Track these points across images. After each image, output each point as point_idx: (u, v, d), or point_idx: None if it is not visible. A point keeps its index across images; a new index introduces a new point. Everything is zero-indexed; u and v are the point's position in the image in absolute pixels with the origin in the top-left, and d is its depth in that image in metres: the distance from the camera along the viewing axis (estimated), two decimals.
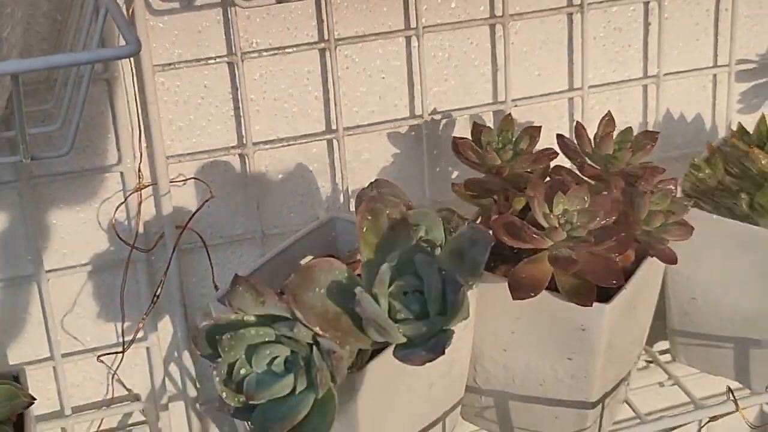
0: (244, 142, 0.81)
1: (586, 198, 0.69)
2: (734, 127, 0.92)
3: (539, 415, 0.76)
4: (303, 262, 0.78)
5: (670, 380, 0.87)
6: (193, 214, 0.79)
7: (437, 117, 0.85)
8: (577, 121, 0.77)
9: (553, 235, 0.67)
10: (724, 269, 0.80)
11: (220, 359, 0.58)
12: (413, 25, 0.82)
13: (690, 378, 0.89)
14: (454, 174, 0.88)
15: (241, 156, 0.81)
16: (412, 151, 0.86)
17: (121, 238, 0.78)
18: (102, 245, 0.80)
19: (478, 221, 0.80)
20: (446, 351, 0.56)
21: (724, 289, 0.81)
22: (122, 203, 0.78)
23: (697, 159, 0.83)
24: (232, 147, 0.81)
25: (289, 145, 0.82)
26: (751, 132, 0.84)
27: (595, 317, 0.69)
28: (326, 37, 0.80)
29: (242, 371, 0.58)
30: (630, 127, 0.76)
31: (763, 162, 0.79)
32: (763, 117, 0.83)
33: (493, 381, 0.77)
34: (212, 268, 0.81)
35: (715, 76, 0.94)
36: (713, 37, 0.93)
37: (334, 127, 0.83)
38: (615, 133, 0.77)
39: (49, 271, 0.79)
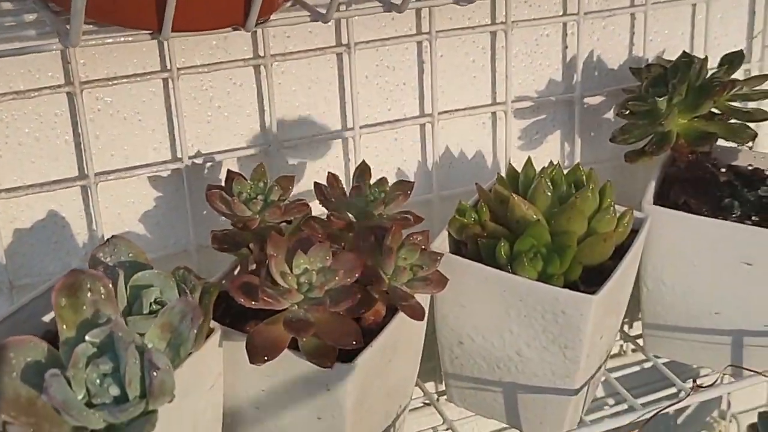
0: None
1: (328, 257, 0.67)
2: (519, 165, 0.92)
3: None
4: (48, 318, 0.74)
5: (444, 424, 0.86)
6: None
7: (198, 160, 0.82)
8: (329, 173, 0.75)
9: (288, 297, 0.65)
10: (487, 315, 0.79)
11: None
12: (169, 66, 0.79)
13: (465, 420, 0.89)
14: (222, 218, 0.85)
15: None
16: (175, 194, 0.83)
17: None
18: None
19: (236, 271, 0.77)
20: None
21: (488, 334, 0.80)
22: None
23: (464, 203, 0.82)
24: None
25: (38, 193, 0.77)
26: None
27: (340, 378, 0.68)
28: (72, 81, 0.76)
29: None
30: (384, 178, 0.75)
31: (523, 209, 0.78)
32: (529, 160, 0.83)
33: None
34: None
35: (494, 113, 0.94)
36: (491, 74, 0.92)
37: (86, 172, 0.79)
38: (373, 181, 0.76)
39: None
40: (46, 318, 0.73)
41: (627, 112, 0.86)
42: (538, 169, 0.82)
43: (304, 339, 0.67)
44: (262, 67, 0.82)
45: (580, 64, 0.94)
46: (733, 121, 0.86)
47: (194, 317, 0.56)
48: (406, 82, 0.89)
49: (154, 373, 0.53)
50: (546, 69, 0.95)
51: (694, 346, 0.92)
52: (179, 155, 0.82)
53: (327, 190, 0.76)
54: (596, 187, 0.80)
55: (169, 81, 0.79)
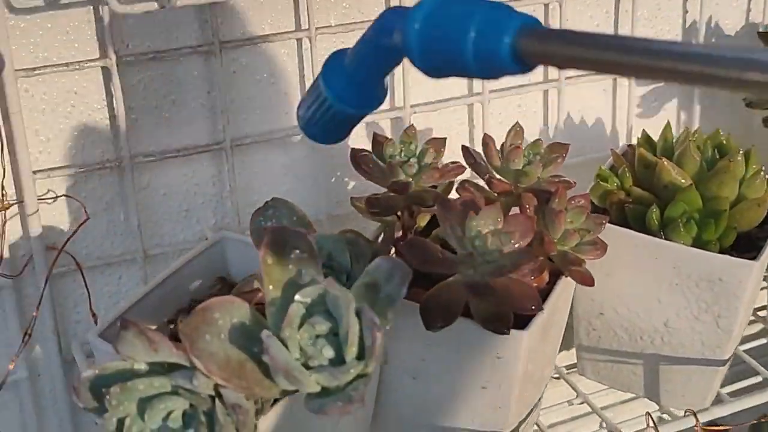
0: (123, 153, 0.73)
1: (499, 219, 0.65)
2: (635, 132, 0.89)
3: None
4: (192, 287, 0.71)
5: (578, 398, 0.84)
6: (69, 238, 0.70)
7: None
8: (485, 134, 0.72)
9: (468, 261, 0.63)
10: (634, 284, 0.77)
11: (107, 414, 0.51)
12: (305, 26, 0.76)
13: (597, 395, 0.86)
14: (351, 185, 0.82)
15: (119, 169, 0.74)
16: (305, 161, 0.80)
17: None
18: None
19: (380, 239, 0.74)
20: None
21: (633, 305, 0.78)
22: None
23: (603, 168, 0.79)
24: (109, 160, 0.73)
25: (173, 156, 0.74)
26: (655, 139, 0.81)
27: (512, 345, 0.65)
28: (210, 41, 0.73)
29: (134, 428, 0.51)
30: (540, 139, 0.72)
31: (672, 174, 0.76)
32: (668, 125, 0.81)
33: (400, 413, 0.71)
34: (89, 294, 0.73)
35: (615, 79, 0.91)
36: None
37: (221, 137, 0.76)
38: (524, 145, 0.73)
39: None
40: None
41: None
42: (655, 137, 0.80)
43: (477, 305, 0.65)
44: None
45: (702, 28, 0.92)
46: None
47: (402, 276, 0.53)
48: None
49: (377, 334, 0.50)
50: (666, 35, 0.92)
51: None
52: None
53: (477, 155, 0.74)
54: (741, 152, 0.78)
55: (303, 41, 0.76)
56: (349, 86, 0.49)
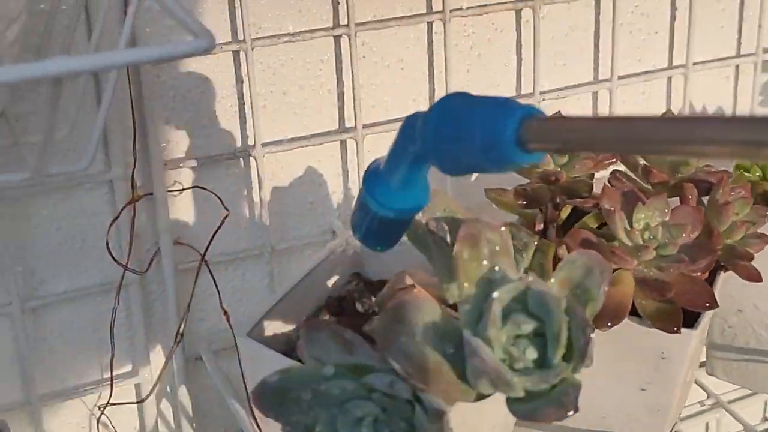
0: (250, 143, 0.69)
1: (666, 210, 0.61)
2: None
3: None
4: (329, 283, 0.67)
5: (710, 399, 0.80)
6: (215, 233, 0.67)
7: None
8: None
9: (642, 254, 0.59)
10: None
11: (293, 419, 0.48)
12: (439, 8, 0.72)
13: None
14: (473, 176, 0.79)
15: (245, 159, 0.70)
16: None
17: (115, 259, 0.66)
18: (85, 268, 0.68)
19: None
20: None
21: None
22: (116, 218, 0.65)
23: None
24: (239, 150, 0.69)
25: (302, 147, 0.71)
26: None
27: (680, 344, 0.62)
28: (344, 22, 0.69)
29: None
30: None
31: None
32: None
33: None
34: (218, 291, 0.69)
35: (737, 66, 0.87)
36: (737, 24, 0.86)
37: (348, 124, 0.72)
38: None
39: (27, 300, 0.66)
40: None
41: None
42: None
43: (645, 302, 0.61)
44: (524, 11, 0.76)
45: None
46: None
47: (603, 271, 0.49)
48: (658, 31, 0.82)
49: (590, 334, 0.46)
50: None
51: None
52: None
53: None
54: None
55: (434, 24, 0.73)
56: (389, 193, 0.50)
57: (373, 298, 0.68)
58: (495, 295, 0.48)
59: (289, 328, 0.65)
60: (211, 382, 0.74)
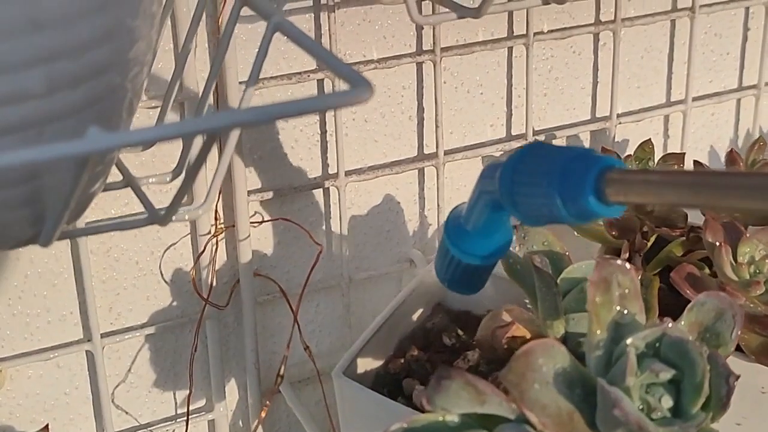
0: (331, 171, 0.68)
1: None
2: None
3: None
4: (414, 318, 0.66)
5: None
6: (312, 269, 0.65)
7: (539, 138, 0.74)
8: (731, 149, 0.67)
9: (751, 290, 0.58)
10: None
11: None
12: (522, 32, 0.70)
13: None
14: None
15: (325, 189, 0.68)
16: None
17: (199, 293, 0.64)
18: (162, 301, 0.66)
19: None
20: None
21: None
22: (202, 253, 0.63)
23: None
24: (322, 178, 0.68)
25: (382, 176, 0.69)
26: None
27: None
28: (428, 47, 0.67)
29: None
30: None
31: None
32: None
33: None
34: (298, 324, 0.67)
35: None
36: None
37: (427, 151, 0.71)
38: None
39: (104, 335, 0.64)
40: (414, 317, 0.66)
41: None
42: None
43: (748, 336, 0.60)
44: (603, 33, 0.74)
45: None
46: None
47: (735, 315, 0.48)
48: (730, 52, 0.81)
49: (733, 384, 0.45)
50: None
51: None
52: (515, 132, 0.73)
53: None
54: None
55: (515, 48, 0.71)
56: (471, 239, 0.49)
57: (459, 331, 0.67)
58: (629, 341, 0.46)
59: (377, 363, 0.63)
60: (283, 417, 0.72)
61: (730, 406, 0.46)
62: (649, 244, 0.68)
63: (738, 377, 0.46)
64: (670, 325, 0.46)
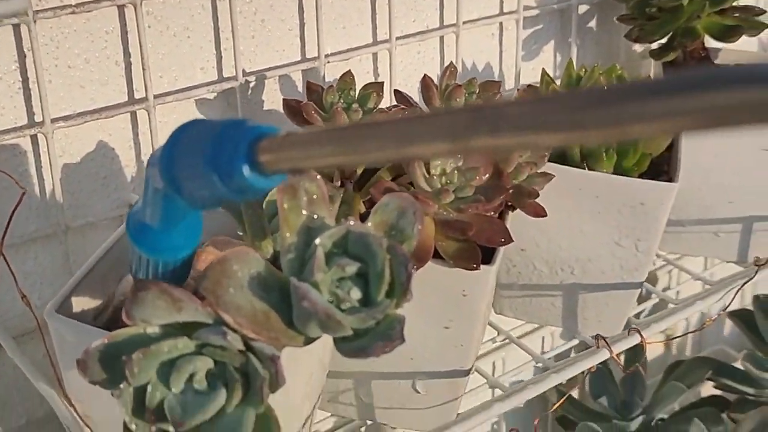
0: (38, 119, 0.67)
1: (459, 155, 0.65)
2: (522, 75, 0.92)
3: (406, 391, 0.71)
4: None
5: (500, 335, 0.85)
6: (12, 214, 0.64)
7: (251, 80, 0.76)
8: (425, 75, 0.72)
9: (442, 198, 0.62)
10: (557, 217, 0.79)
11: (123, 385, 0.47)
12: None
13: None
14: None
15: (33, 137, 0.68)
16: (222, 118, 0.76)
17: None
18: None
19: None
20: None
21: (556, 238, 0.80)
22: None
23: None
24: (28, 126, 0.67)
25: (92, 121, 0.69)
26: (555, 78, 0.84)
27: (479, 281, 0.65)
28: None
29: (157, 395, 0.48)
30: (474, 78, 0.72)
31: None
32: (570, 61, 0.83)
33: (353, 362, 0.70)
34: (13, 275, 0.67)
35: (501, 23, 0.93)
36: None
37: (138, 96, 0.71)
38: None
39: None
40: None
41: (654, 10, 0.87)
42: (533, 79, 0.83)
43: (445, 243, 0.65)
44: None
45: None
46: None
47: (416, 211, 0.52)
48: None
49: (411, 270, 0.49)
50: None
51: (704, 237, 0.96)
52: (226, 74, 0.75)
53: (409, 97, 0.73)
54: None
55: None
56: (158, 235, 0.47)
57: None
58: (317, 241, 0.50)
59: (97, 303, 0.64)
60: (5, 371, 0.71)
61: (412, 293, 0.50)
62: (359, 171, 0.72)
63: (415, 266, 0.49)
64: (352, 222, 0.50)
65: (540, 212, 0.69)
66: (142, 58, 0.69)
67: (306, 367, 0.62)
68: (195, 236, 0.49)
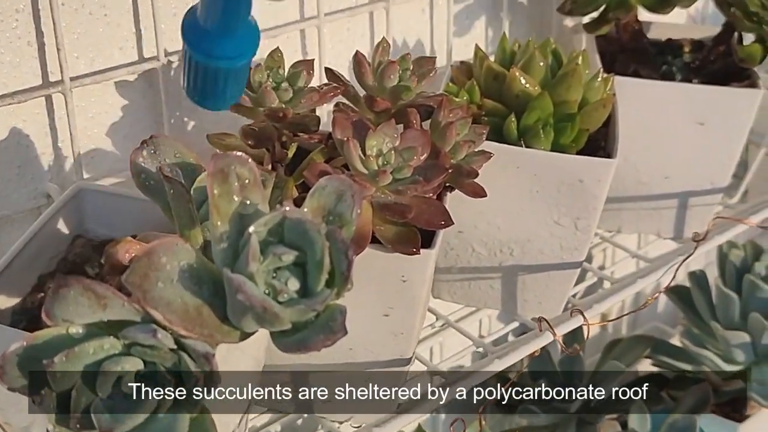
0: None
1: (396, 135, 0.62)
2: (454, 52, 0.90)
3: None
4: (55, 253, 0.63)
5: (439, 320, 0.83)
6: None
7: (173, 60, 0.72)
8: (357, 51, 0.69)
9: (380, 180, 0.60)
10: (495, 198, 0.76)
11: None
12: None
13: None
14: (190, 125, 0.76)
15: None
16: (142, 101, 0.73)
17: None
18: None
19: None
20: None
21: (494, 219, 0.78)
22: None
23: (450, 84, 0.78)
24: None
25: (5, 105, 0.65)
26: (487, 53, 0.81)
27: (419, 265, 0.63)
28: None
29: (82, 401, 0.44)
30: (409, 53, 0.70)
31: (522, 83, 0.76)
32: (504, 36, 0.81)
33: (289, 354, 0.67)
34: None
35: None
36: None
37: (53, 78, 0.67)
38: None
39: None
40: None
41: None
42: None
43: (384, 227, 0.62)
44: None
45: None
46: None
47: (354, 194, 0.49)
48: None
49: (352, 257, 0.46)
50: None
51: (641, 214, 0.95)
52: (147, 55, 0.71)
53: (340, 75, 0.70)
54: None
55: None
56: (211, 38, 0.46)
57: (102, 260, 0.64)
58: (251, 229, 0.46)
59: (15, 301, 0.60)
60: None
61: (353, 282, 0.47)
62: (291, 153, 0.69)
63: (357, 251, 0.47)
64: (288, 208, 0.47)
65: (479, 192, 0.67)
66: (56, 38, 0.65)
67: (242, 364, 0.59)
68: (249, 47, 0.48)
